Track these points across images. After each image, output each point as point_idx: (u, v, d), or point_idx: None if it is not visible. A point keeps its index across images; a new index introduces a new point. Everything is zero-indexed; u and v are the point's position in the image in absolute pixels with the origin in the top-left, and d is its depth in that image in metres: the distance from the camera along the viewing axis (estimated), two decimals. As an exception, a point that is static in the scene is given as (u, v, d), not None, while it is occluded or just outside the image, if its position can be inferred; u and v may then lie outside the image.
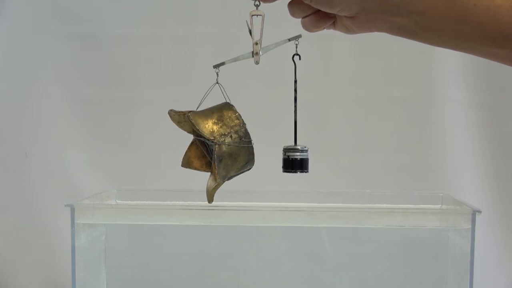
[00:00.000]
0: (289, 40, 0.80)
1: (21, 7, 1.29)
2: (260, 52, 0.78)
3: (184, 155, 0.82)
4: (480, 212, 0.77)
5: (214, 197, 0.79)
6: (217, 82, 0.81)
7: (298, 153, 0.80)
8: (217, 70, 0.81)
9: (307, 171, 0.80)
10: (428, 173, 1.29)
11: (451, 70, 1.27)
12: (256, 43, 0.78)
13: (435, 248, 0.88)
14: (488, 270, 1.28)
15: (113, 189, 0.96)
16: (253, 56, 0.78)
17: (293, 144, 0.81)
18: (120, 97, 1.31)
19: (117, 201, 0.95)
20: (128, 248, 0.93)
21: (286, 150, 0.81)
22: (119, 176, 1.30)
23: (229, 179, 0.80)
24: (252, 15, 0.76)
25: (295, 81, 0.81)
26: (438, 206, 0.92)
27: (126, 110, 1.31)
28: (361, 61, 1.28)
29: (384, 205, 0.88)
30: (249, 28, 0.77)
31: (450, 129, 1.30)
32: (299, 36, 0.80)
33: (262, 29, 0.77)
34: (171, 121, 1.32)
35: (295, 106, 0.82)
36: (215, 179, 0.78)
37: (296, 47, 0.80)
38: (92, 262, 0.88)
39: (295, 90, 0.81)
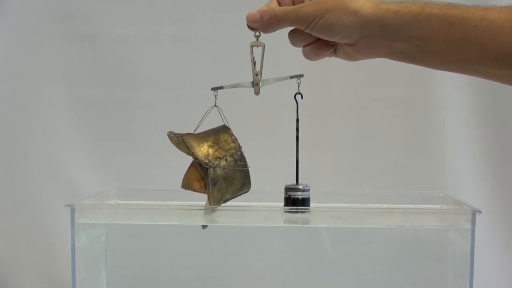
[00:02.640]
0: (291, 77, 0.79)
1: (21, 7, 1.29)
2: (260, 84, 0.78)
3: (184, 176, 0.82)
4: (480, 212, 0.77)
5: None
6: (215, 105, 0.80)
7: (299, 193, 0.80)
8: (215, 93, 0.80)
9: (309, 210, 0.80)
10: (428, 175, 1.29)
11: (451, 72, 1.27)
12: (256, 74, 0.78)
13: (435, 248, 0.88)
14: (488, 270, 1.28)
15: (113, 189, 0.96)
16: (253, 87, 0.78)
17: (294, 183, 0.81)
18: (120, 97, 1.31)
19: (117, 201, 0.95)
20: (128, 248, 0.93)
21: (287, 189, 0.81)
22: (119, 176, 1.30)
23: (225, 202, 0.80)
24: (253, 46, 0.76)
25: (297, 120, 0.81)
26: (438, 206, 0.92)
27: (126, 110, 1.31)
28: (362, 62, 1.28)
29: (384, 205, 0.87)
30: (253, 60, 0.77)
31: (450, 131, 1.30)
32: (301, 76, 0.79)
33: (262, 60, 0.77)
34: (172, 122, 1.32)
35: (297, 145, 0.82)
36: (209, 202, 0.78)
37: (298, 86, 0.80)
38: (92, 262, 0.88)
39: (297, 129, 0.81)
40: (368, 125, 1.30)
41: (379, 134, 1.30)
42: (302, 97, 0.80)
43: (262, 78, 0.78)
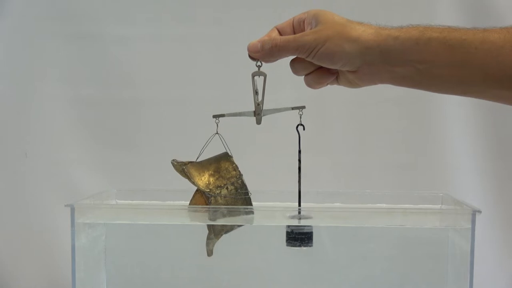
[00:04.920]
0: (293, 108, 0.79)
1: (21, 7, 1.29)
2: (262, 113, 0.78)
3: (189, 203, 0.82)
4: (480, 212, 0.77)
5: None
6: (217, 133, 0.81)
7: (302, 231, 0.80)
8: (217, 121, 0.80)
9: (311, 245, 0.80)
10: (428, 173, 1.29)
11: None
12: (258, 104, 0.78)
13: (435, 248, 0.88)
14: (488, 270, 1.28)
15: (113, 189, 0.96)
16: (255, 116, 0.78)
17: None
18: (120, 97, 1.31)
19: (117, 201, 0.95)
20: (128, 248, 0.93)
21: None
22: (119, 176, 1.30)
23: (226, 232, 0.81)
24: (254, 76, 0.76)
25: (299, 151, 0.81)
26: (438, 206, 0.92)
27: (126, 110, 1.31)
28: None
29: (384, 205, 0.87)
30: (255, 89, 0.77)
31: (450, 128, 1.30)
32: (303, 107, 0.80)
33: (264, 90, 0.77)
34: (172, 122, 1.32)
35: (299, 176, 0.81)
36: (210, 232, 0.79)
37: (300, 118, 0.80)
38: (92, 262, 0.88)
39: (299, 160, 0.81)
40: (368, 125, 1.30)
41: (379, 132, 1.30)
42: (304, 129, 0.80)
43: (263, 108, 0.78)
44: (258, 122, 0.79)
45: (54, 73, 1.31)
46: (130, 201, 0.95)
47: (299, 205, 0.81)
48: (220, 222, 0.80)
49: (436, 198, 0.93)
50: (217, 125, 0.80)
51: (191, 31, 1.29)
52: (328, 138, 1.30)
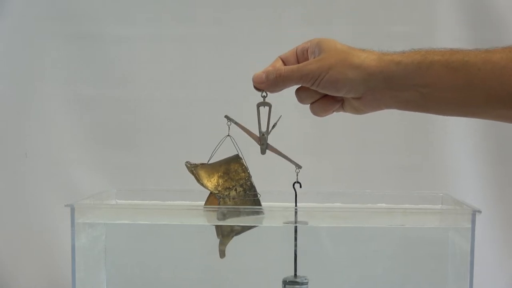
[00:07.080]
0: (291, 162, 0.80)
1: (21, 7, 1.29)
2: (266, 145, 0.78)
3: (204, 204, 0.82)
4: (480, 212, 0.77)
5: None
6: (228, 135, 0.80)
7: (297, 286, 0.79)
8: (228, 123, 0.80)
9: None
10: (428, 175, 1.29)
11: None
12: (263, 134, 0.78)
13: (435, 248, 0.88)
14: (488, 270, 1.28)
15: (113, 189, 0.96)
16: (259, 144, 0.78)
17: (292, 275, 0.81)
18: (120, 97, 1.31)
19: (117, 201, 0.95)
20: (128, 248, 0.93)
21: (285, 282, 0.80)
22: (119, 176, 1.30)
23: (237, 234, 0.80)
24: (259, 106, 0.76)
25: (296, 212, 0.81)
26: (438, 206, 0.92)
27: (126, 110, 1.31)
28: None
29: (384, 205, 0.87)
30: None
31: (450, 129, 1.30)
32: (299, 167, 0.80)
33: (269, 120, 0.77)
34: (172, 122, 1.32)
35: (295, 237, 0.81)
36: (217, 234, 0.79)
37: (297, 175, 0.80)
38: (92, 262, 0.88)
39: (296, 213, 0.81)
40: (368, 124, 1.30)
41: (379, 133, 1.30)
42: (300, 186, 0.80)
43: (268, 142, 0.78)
44: (262, 152, 0.79)
45: (54, 73, 1.31)
46: (130, 201, 0.95)
47: (295, 266, 0.81)
48: (223, 222, 0.80)
49: (436, 198, 0.93)
50: (229, 127, 0.80)
51: (191, 31, 1.29)
52: (329, 138, 1.30)
